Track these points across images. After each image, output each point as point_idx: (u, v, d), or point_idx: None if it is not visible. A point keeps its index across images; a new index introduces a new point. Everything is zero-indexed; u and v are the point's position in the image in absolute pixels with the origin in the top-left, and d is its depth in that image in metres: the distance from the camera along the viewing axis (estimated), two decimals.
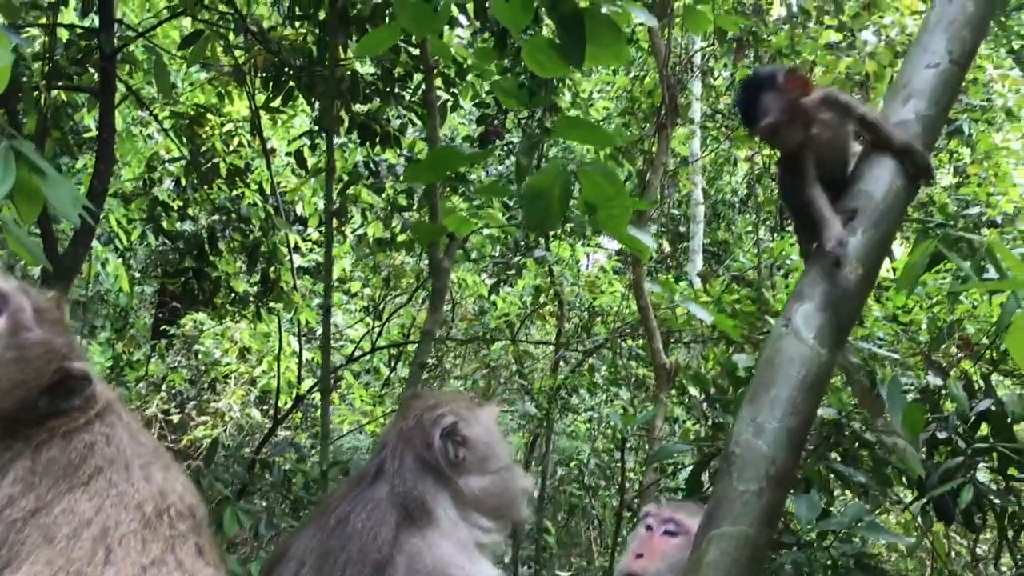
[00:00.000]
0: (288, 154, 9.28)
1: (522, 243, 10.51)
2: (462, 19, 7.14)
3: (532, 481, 2.62)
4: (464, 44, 7.98)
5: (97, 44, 6.27)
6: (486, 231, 9.71)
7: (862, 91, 9.98)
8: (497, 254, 11.00)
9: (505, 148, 10.29)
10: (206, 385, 11.98)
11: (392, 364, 11.62)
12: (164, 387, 11.59)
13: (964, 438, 4.65)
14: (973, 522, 4.74)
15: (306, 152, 8.17)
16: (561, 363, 10.78)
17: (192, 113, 8.48)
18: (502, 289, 11.22)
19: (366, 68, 7.71)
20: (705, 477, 4.91)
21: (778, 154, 2.63)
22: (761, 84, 2.49)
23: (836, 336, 2.03)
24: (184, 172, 8.54)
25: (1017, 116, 11.13)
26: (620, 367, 10.08)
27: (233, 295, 9.11)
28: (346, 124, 7.30)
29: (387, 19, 6.17)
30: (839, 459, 4.81)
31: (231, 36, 7.29)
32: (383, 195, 8.66)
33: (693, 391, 7.07)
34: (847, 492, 5.45)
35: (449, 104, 7.51)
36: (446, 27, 7.03)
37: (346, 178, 8.39)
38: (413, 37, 6.24)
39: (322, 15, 6.76)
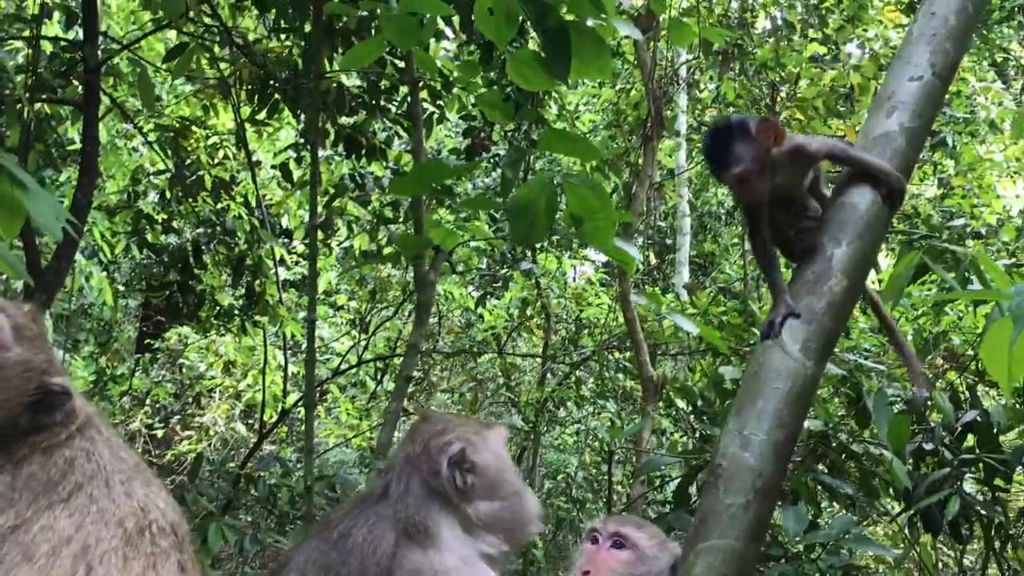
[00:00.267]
0: (274, 167, 9.26)
1: (509, 255, 10.51)
2: (448, 32, 7.15)
3: (538, 508, 2.55)
4: (450, 57, 7.99)
5: (81, 57, 6.24)
6: (472, 244, 9.70)
7: (847, 103, 10.04)
8: (484, 266, 10.99)
9: (491, 161, 10.30)
10: (191, 399, 11.90)
11: (378, 377, 11.57)
12: (148, 401, 11.51)
13: (950, 449, 4.67)
14: (960, 533, 4.75)
15: (292, 165, 8.15)
16: (548, 376, 10.76)
17: (177, 126, 8.45)
18: (489, 302, 11.21)
19: (352, 81, 7.70)
20: (692, 489, 4.90)
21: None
22: (732, 132, 2.46)
23: (822, 349, 2.03)
24: (169, 185, 8.50)
25: (1000, 128, 11.22)
26: (607, 379, 10.07)
27: (218, 308, 9.06)
28: (332, 137, 7.29)
29: (372, 32, 6.17)
30: (826, 471, 4.81)
31: (216, 49, 7.27)
32: (369, 208, 8.65)
33: (680, 403, 7.07)
34: (834, 504, 5.46)
35: (435, 117, 7.51)
36: (432, 40, 7.04)
37: (332, 191, 8.37)
38: (399, 50, 6.24)
39: (307, 28, 6.76)
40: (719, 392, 5.10)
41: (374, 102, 7.18)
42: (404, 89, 7.07)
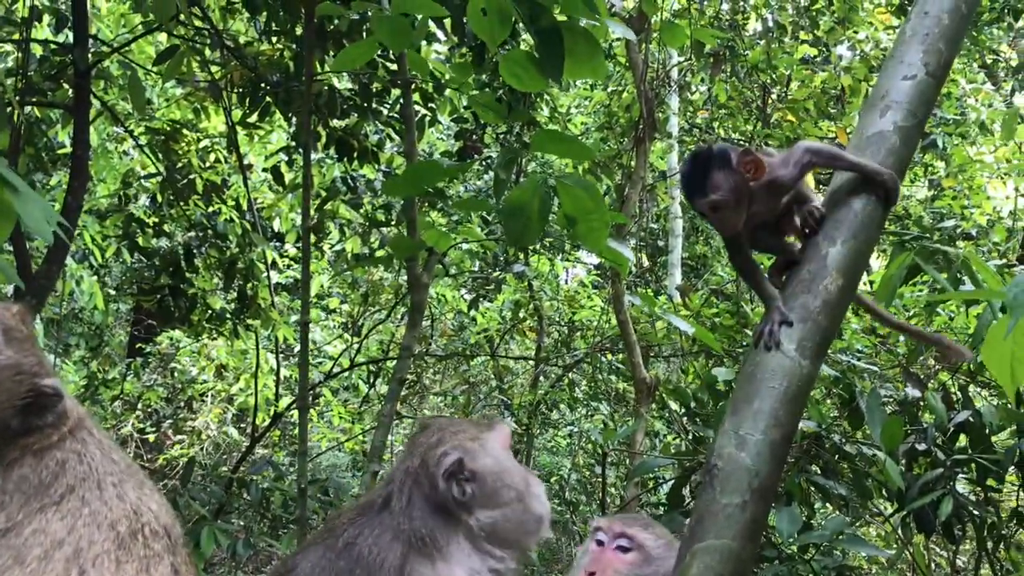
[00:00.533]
0: (265, 170, 9.24)
1: (501, 258, 10.51)
2: (440, 35, 7.14)
3: (547, 508, 2.50)
4: (442, 60, 7.98)
5: (71, 60, 6.21)
6: (465, 246, 9.69)
7: (838, 105, 10.07)
8: (476, 269, 10.99)
9: (483, 164, 10.30)
10: (182, 403, 11.87)
11: (371, 381, 11.55)
12: (140, 406, 11.48)
13: (943, 449, 4.67)
14: (953, 533, 4.75)
15: (283, 168, 8.14)
16: (541, 378, 10.76)
17: (168, 129, 8.42)
18: (481, 304, 11.21)
19: (344, 84, 7.69)
20: (686, 491, 4.90)
21: None
22: (713, 160, 2.45)
23: (817, 347, 2.03)
24: (160, 188, 8.47)
25: (990, 130, 11.27)
26: (600, 382, 10.07)
27: (210, 312, 9.04)
28: (323, 140, 7.27)
29: (364, 35, 6.15)
30: (819, 472, 4.81)
31: (207, 51, 7.25)
32: (361, 211, 8.63)
33: (673, 405, 7.07)
34: (828, 505, 5.46)
35: (427, 119, 7.50)
36: (423, 43, 7.03)
37: (323, 194, 8.35)
38: (391, 52, 6.23)
39: (299, 30, 6.74)
40: (712, 394, 5.10)
41: (366, 104, 7.17)
42: (396, 92, 7.06)
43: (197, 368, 11.47)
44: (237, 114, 7.57)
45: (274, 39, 7.33)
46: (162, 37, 7.88)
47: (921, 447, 4.71)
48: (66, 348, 11.83)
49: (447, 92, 7.63)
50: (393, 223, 8.50)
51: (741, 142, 11.21)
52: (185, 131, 8.50)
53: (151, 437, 11.46)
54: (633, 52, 8.18)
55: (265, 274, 8.52)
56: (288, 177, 8.29)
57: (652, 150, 9.92)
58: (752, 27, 11.13)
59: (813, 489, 4.83)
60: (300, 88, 6.50)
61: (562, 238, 10.66)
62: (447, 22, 5.89)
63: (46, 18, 7.52)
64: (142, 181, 9.19)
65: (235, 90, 7.37)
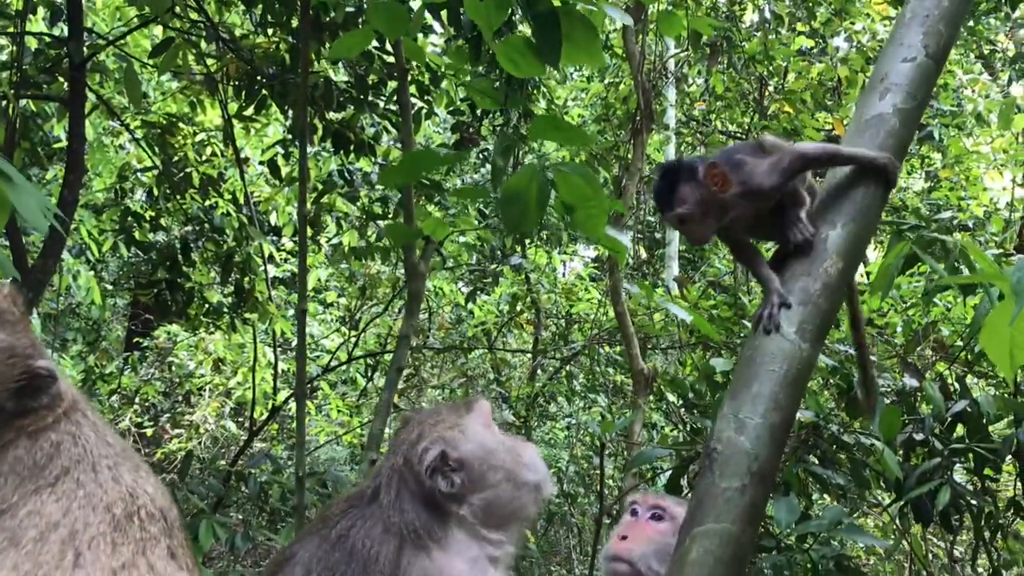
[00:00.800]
0: (261, 163, 9.22)
1: (498, 251, 10.50)
2: (436, 26, 7.12)
3: (542, 472, 2.47)
4: (438, 53, 7.96)
5: (66, 53, 6.19)
6: (462, 239, 9.68)
7: (834, 96, 10.06)
8: (474, 262, 10.98)
9: (480, 156, 10.29)
10: (180, 397, 11.87)
11: (369, 374, 11.55)
12: (137, 400, 11.47)
13: (940, 439, 4.67)
14: (950, 523, 4.75)
15: (280, 161, 8.12)
16: (539, 371, 10.76)
17: (164, 122, 8.40)
18: (479, 297, 11.20)
19: (340, 76, 7.67)
20: (684, 482, 4.90)
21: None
22: (680, 173, 2.48)
23: (817, 331, 2.02)
24: (156, 182, 8.46)
25: (987, 121, 11.27)
26: (598, 374, 10.07)
27: (207, 306, 9.02)
28: (320, 132, 7.26)
29: (360, 27, 6.14)
30: (817, 462, 4.81)
31: (203, 44, 7.23)
32: (358, 204, 8.62)
33: (671, 397, 7.07)
34: (825, 496, 5.47)
35: (423, 112, 7.49)
36: (420, 35, 7.01)
37: (320, 187, 8.33)
38: (387, 43, 6.21)
39: (295, 22, 6.72)
40: (710, 384, 5.10)
41: (362, 97, 7.16)
42: (393, 84, 7.05)
43: (195, 362, 11.46)
44: (233, 107, 7.56)
45: (270, 31, 7.31)
46: (157, 30, 7.86)
47: (919, 437, 4.71)
48: (63, 343, 11.82)
49: (443, 84, 7.61)
50: (390, 216, 8.49)
51: (738, 134, 11.21)
52: (181, 125, 8.48)
53: (149, 431, 11.45)
54: (630, 43, 8.16)
55: (262, 268, 8.51)
56: (284, 171, 8.27)
57: (649, 142, 9.91)
58: (749, 18, 11.12)
59: (811, 479, 4.83)
60: (296, 80, 6.49)
61: (559, 231, 10.66)
62: (443, 13, 5.87)
63: (41, 11, 7.50)
64: (138, 175, 9.17)
65: (231, 83, 7.35)
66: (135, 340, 11.76)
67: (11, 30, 6.93)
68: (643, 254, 12.58)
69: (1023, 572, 5.77)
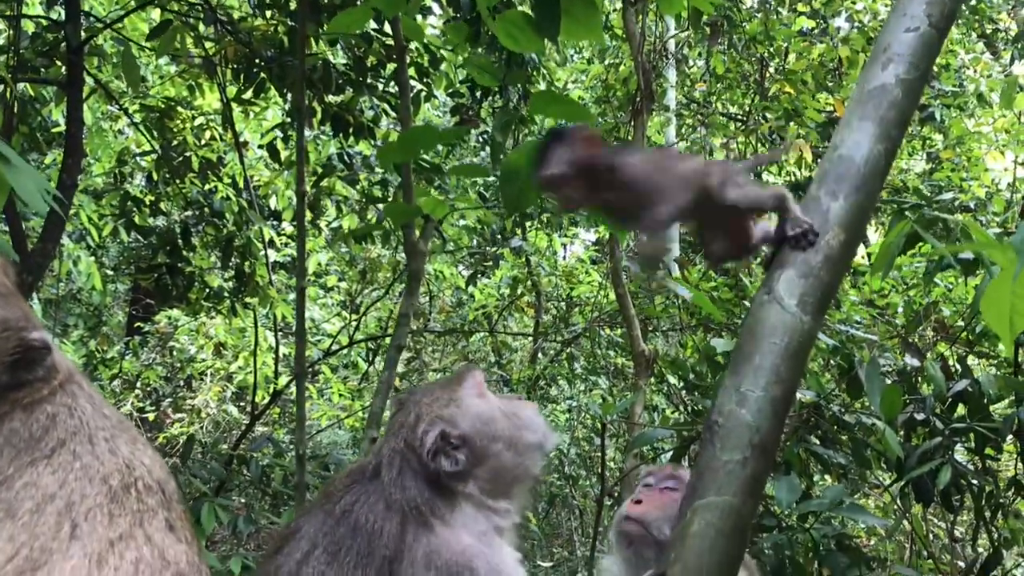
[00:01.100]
0: (261, 146, 9.20)
1: (499, 234, 10.48)
2: (435, 8, 7.09)
3: (542, 428, 2.48)
4: (437, 35, 7.93)
5: (64, 36, 6.16)
6: (463, 222, 9.67)
7: (835, 77, 10.02)
8: (474, 245, 10.97)
9: (480, 139, 10.26)
10: (182, 382, 11.88)
11: (370, 358, 11.55)
12: (139, 385, 11.48)
13: (942, 419, 4.67)
14: (951, 503, 4.76)
15: (279, 145, 8.09)
16: (539, 354, 10.77)
17: (162, 106, 8.37)
18: (479, 280, 11.20)
19: (339, 59, 7.64)
20: (685, 463, 4.91)
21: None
22: (555, 137, 2.48)
23: (819, 303, 2.01)
24: (155, 166, 8.44)
25: (988, 101, 11.22)
26: (599, 356, 10.08)
27: (208, 290, 9.02)
28: (319, 115, 7.23)
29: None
30: (818, 442, 4.81)
31: (201, 27, 7.20)
32: (357, 187, 8.60)
33: (672, 379, 7.08)
34: (827, 477, 5.47)
35: (423, 95, 7.46)
36: (419, 16, 6.97)
37: (320, 171, 8.31)
38: (385, 21, 6.17)
39: (293, 4, 6.69)
40: (711, 365, 5.09)
41: (361, 79, 7.13)
42: (392, 67, 7.02)
43: (196, 347, 11.47)
44: (232, 90, 7.52)
45: (268, 13, 7.28)
46: (155, 13, 7.82)
47: (920, 416, 4.71)
48: (64, 328, 11.83)
49: (443, 67, 7.58)
50: (390, 200, 8.48)
51: (739, 116, 11.18)
52: (180, 108, 8.46)
53: (151, 416, 11.47)
54: (630, 23, 8.12)
55: (262, 252, 8.50)
56: (284, 154, 8.25)
57: (650, 124, 9.88)
58: None
59: (812, 459, 4.84)
60: (295, 63, 6.46)
61: (560, 214, 10.64)
62: None
63: None
64: (137, 159, 9.15)
65: (229, 66, 7.32)
66: (136, 325, 11.77)
67: (8, 13, 6.89)
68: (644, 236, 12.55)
69: None
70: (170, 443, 11.07)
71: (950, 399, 4.76)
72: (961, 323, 6.34)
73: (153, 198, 8.64)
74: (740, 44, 10.22)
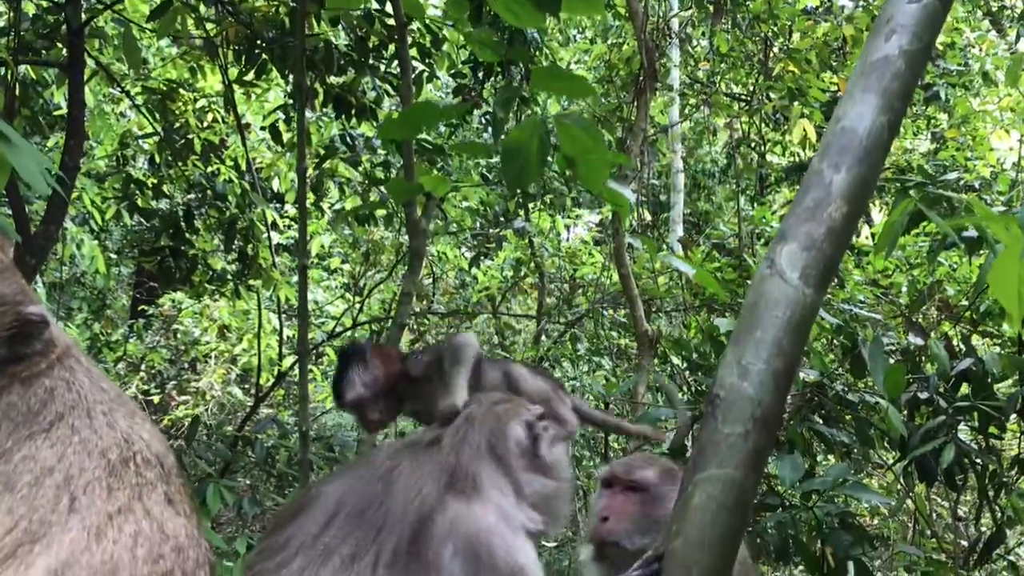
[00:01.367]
0: (263, 128, 9.17)
1: (502, 216, 10.47)
2: None
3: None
4: (439, 15, 7.88)
5: (64, 18, 6.14)
6: (465, 203, 9.65)
7: (839, 56, 9.96)
8: (477, 227, 10.95)
9: (483, 120, 10.22)
10: (186, 364, 11.91)
11: (374, 340, 11.55)
12: (143, 367, 11.51)
13: (945, 398, 4.67)
14: (955, 481, 4.76)
15: (281, 126, 8.07)
16: (543, 335, 10.76)
17: (164, 88, 8.35)
18: (482, 262, 11.19)
19: (340, 40, 7.61)
20: (688, 442, 4.91)
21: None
22: (351, 357, 2.62)
23: (821, 276, 2.00)
24: (158, 149, 8.43)
25: (994, 80, 11.16)
26: (602, 337, 10.08)
27: (211, 273, 9.03)
28: (321, 97, 7.20)
29: None
30: (822, 421, 4.82)
31: (201, 8, 7.16)
32: (360, 169, 8.58)
33: (675, 359, 7.07)
34: (830, 456, 5.48)
35: (425, 75, 7.42)
36: None
37: (322, 152, 8.29)
38: (388, 5, 6.13)
39: None
40: (714, 345, 5.09)
41: (363, 60, 7.09)
42: (394, 47, 6.98)
43: (200, 329, 11.49)
44: (233, 72, 7.50)
45: None
46: None
47: (923, 395, 4.71)
48: (68, 312, 11.85)
49: (445, 47, 7.54)
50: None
51: (742, 95, 11.13)
52: (181, 90, 8.43)
53: (155, 398, 11.50)
54: (633, 2, 8.07)
55: (265, 234, 8.50)
56: (286, 136, 8.23)
57: (653, 103, 9.83)
58: None
59: (816, 438, 4.84)
60: (296, 44, 6.43)
61: (563, 195, 10.62)
62: None
63: None
64: (140, 142, 9.13)
65: (231, 48, 7.29)
66: (140, 308, 11.79)
67: None
68: (647, 217, 12.54)
69: None
70: (175, 425, 11.11)
71: (954, 378, 4.76)
72: (965, 302, 6.33)
73: (156, 181, 8.64)
74: (744, 23, 10.15)
